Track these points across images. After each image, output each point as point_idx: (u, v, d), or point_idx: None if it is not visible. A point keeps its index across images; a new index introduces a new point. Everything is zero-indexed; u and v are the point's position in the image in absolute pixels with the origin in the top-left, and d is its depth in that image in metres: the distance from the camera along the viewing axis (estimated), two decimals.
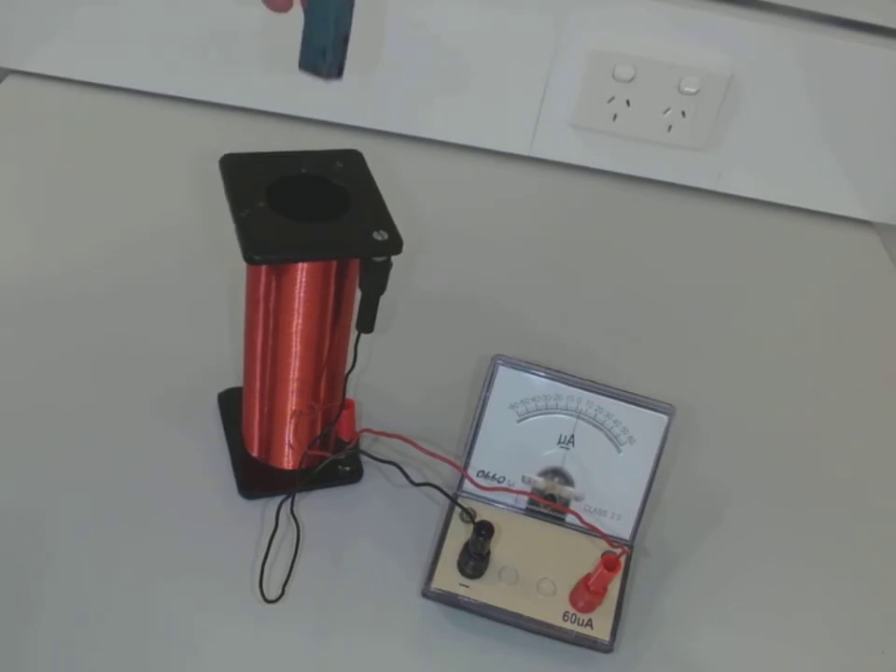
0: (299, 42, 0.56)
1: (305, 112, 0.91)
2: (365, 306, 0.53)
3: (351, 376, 0.57)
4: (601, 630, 0.54)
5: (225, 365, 0.66)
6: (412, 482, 0.58)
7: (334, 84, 0.88)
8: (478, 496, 0.58)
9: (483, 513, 0.57)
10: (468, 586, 0.54)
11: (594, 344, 0.75)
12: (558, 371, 0.58)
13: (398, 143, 0.91)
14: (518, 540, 0.57)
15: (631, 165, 0.92)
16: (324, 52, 0.54)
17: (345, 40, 0.54)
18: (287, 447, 0.60)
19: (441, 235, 0.81)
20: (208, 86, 0.90)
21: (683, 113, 0.86)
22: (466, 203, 0.88)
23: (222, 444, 0.62)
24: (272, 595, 0.54)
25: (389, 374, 0.68)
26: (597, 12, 0.83)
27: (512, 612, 0.54)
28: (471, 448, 0.58)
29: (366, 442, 0.61)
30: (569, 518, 0.58)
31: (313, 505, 0.59)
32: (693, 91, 0.85)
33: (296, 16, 0.55)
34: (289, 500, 0.57)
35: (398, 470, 0.58)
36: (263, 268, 0.52)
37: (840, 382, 0.77)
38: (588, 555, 0.56)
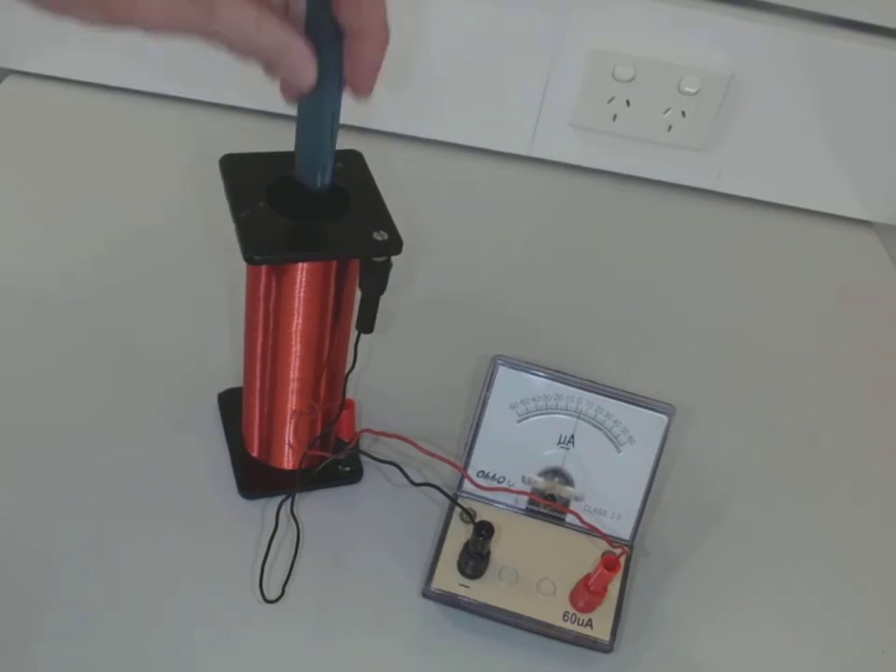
0: None
1: None
2: (365, 306, 0.53)
3: (351, 376, 0.57)
4: (601, 630, 0.54)
5: (225, 365, 0.66)
6: (412, 482, 0.58)
7: None
8: (478, 496, 0.58)
9: (483, 513, 0.57)
10: (468, 586, 0.54)
11: (594, 344, 0.75)
12: (558, 371, 0.58)
13: (398, 143, 0.91)
14: (518, 540, 0.57)
15: (631, 165, 0.92)
16: (323, 168, 0.50)
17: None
18: (286, 447, 0.60)
19: (441, 235, 0.81)
20: (208, 86, 0.90)
21: (683, 113, 0.86)
22: (466, 203, 0.88)
23: (222, 444, 0.62)
24: (272, 595, 0.54)
25: (389, 374, 0.68)
26: (597, 12, 0.83)
27: (512, 612, 0.54)
28: (471, 448, 0.58)
29: (366, 442, 0.61)
30: (569, 518, 0.58)
31: (313, 505, 0.59)
32: (693, 91, 0.85)
33: None
34: (289, 500, 0.57)
35: (398, 470, 0.58)
36: (263, 268, 0.52)
37: (840, 382, 0.77)
38: (588, 555, 0.56)
